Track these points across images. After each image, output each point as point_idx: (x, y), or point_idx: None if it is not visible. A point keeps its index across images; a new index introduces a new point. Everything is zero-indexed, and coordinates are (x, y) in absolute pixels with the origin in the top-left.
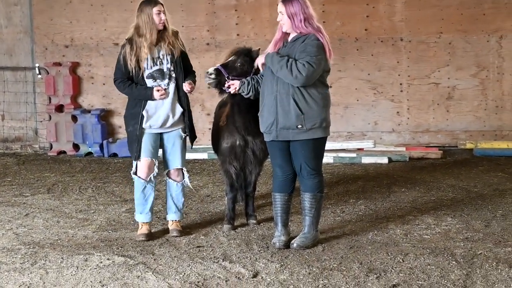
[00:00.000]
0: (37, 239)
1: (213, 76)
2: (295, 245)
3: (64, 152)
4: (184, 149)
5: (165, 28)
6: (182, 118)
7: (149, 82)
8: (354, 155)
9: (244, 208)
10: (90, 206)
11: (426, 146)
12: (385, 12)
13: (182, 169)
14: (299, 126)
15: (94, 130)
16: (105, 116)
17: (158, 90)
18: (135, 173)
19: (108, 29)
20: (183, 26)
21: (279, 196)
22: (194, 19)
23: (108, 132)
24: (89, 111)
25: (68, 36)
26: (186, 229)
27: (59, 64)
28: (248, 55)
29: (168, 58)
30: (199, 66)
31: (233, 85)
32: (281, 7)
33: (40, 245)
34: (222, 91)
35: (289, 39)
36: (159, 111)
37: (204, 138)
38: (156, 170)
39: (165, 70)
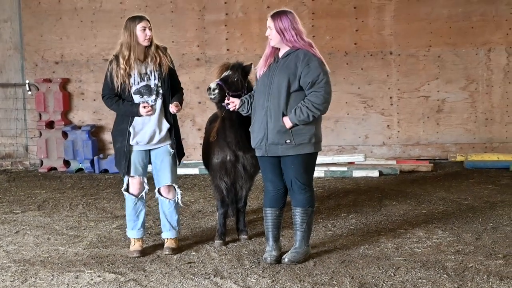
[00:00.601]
0: (28, 256)
1: (216, 91)
2: (286, 260)
3: (55, 168)
4: (174, 165)
5: (151, 44)
6: (169, 134)
7: (136, 98)
8: (345, 168)
9: (235, 224)
10: (81, 222)
11: (416, 159)
12: (374, 26)
13: (173, 185)
14: (288, 141)
15: (85, 146)
16: (95, 132)
17: (144, 107)
18: (126, 190)
19: (98, 45)
20: (173, 42)
21: (270, 211)
22: (184, 35)
23: (99, 148)
24: (79, 127)
25: (58, 52)
26: (181, 247)
27: (49, 81)
28: (242, 70)
29: (156, 74)
30: (189, 81)
31: (233, 103)
32: (269, 22)
33: (31, 262)
34: (222, 107)
35: (280, 54)
36: (146, 127)
37: (195, 153)
38: (146, 187)
39: (152, 86)
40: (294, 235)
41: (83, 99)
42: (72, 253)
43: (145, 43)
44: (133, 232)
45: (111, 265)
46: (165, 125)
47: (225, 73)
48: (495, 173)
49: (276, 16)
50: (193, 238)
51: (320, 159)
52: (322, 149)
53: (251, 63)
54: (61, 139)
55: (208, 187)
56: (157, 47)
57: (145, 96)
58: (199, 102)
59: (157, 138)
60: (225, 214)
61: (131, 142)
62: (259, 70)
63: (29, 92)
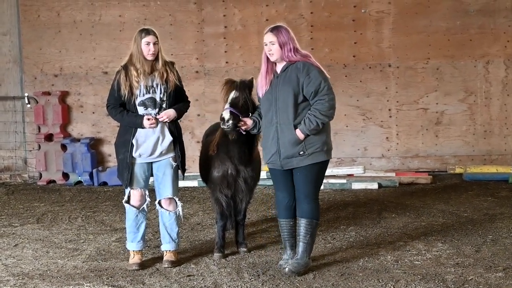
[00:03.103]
0: (26, 270)
1: (230, 122)
2: (287, 270)
3: (54, 181)
4: (176, 178)
5: (158, 58)
6: (172, 147)
7: (141, 110)
8: (344, 181)
9: (234, 236)
10: (80, 235)
11: (415, 171)
12: (373, 39)
13: (174, 198)
14: (301, 153)
15: (84, 159)
16: (94, 144)
17: (148, 119)
18: (127, 202)
19: (97, 58)
20: (172, 54)
21: (285, 222)
22: (183, 47)
23: (98, 160)
24: (78, 140)
25: (57, 65)
26: (180, 260)
27: (48, 93)
28: (248, 87)
29: (162, 88)
30: (188, 94)
31: (246, 125)
32: (271, 37)
33: (29, 276)
34: (236, 132)
35: (278, 69)
36: (149, 140)
37: (194, 165)
38: (148, 199)
39: (157, 99)
40: (297, 246)
41: (82, 112)
42: (71, 266)
43: (149, 58)
44: (133, 245)
45: (110, 278)
46: (168, 139)
47: (232, 95)
48: (494, 185)
49: (276, 30)
50: (192, 251)
51: None
52: None
53: (252, 78)
54: (60, 152)
55: (207, 200)
56: (165, 62)
57: (149, 109)
58: (198, 115)
59: (159, 150)
60: (225, 227)
61: (134, 154)
62: (260, 89)
63: (28, 105)
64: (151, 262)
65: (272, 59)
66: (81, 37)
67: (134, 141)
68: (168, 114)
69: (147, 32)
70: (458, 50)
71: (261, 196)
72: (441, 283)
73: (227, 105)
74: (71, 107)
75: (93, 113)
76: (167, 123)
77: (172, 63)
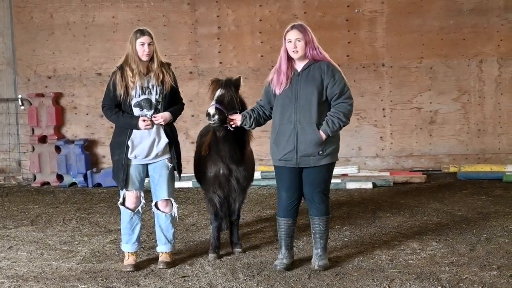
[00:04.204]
0: (21, 272)
1: (216, 117)
2: (316, 267)
3: (48, 183)
4: (171, 180)
5: (154, 59)
6: (168, 149)
7: (136, 111)
8: (338, 180)
9: (229, 237)
10: (74, 237)
11: (410, 171)
12: (366, 38)
13: (170, 200)
14: (320, 152)
15: (78, 160)
16: (88, 146)
17: (144, 120)
18: (123, 204)
19: (91, 59)
20: (166, 55)
21: (284, 221)
22: (177, 48)
23: (92, 162)
24: (72, 142)
25: (50, 67)
26: (175, 261)
27: (42, 95)
28: (234, 85)
29: (158, 89)
30: (182, 94)
31: (234, 121)
32: (298, 34)
33: (24, 278)
34: (224, 129)
35: (299, 67)
36: (144, 142)
37: (189, 166)
38: (143, 201)
39: (153, 100)
40: (317, 243)
41: (76, 114)
42: (65, 268)
43: (144, 58)
44: (128, 246)
45: (105, 280)
46: (164, 140)
47: (219, 93)
48: (488, 184)
49: (302, 28)
50: (187, 252)
51: None
52: None
53: (240, 76)
54: (54, 154)
55: (202, 201)
56: (161, 63)
57: (144, 110)
58: (192, 115)
59: (155, 152)
60: (219, 228)
61: (129, 156)
62: (277, 86)
63: (22, 107)
64: (146, 263)
65: (296, 56)
66: (75, 39)
67: (129, 143)
68: (165, 117)
69: (141, 32)
70: (452, 49)
71: (255, 196)
72: (435, 282)
73: (213, 102)
74: (64, 109)
75: (87, 114)
76: (162, 125)
77: (168, 64)
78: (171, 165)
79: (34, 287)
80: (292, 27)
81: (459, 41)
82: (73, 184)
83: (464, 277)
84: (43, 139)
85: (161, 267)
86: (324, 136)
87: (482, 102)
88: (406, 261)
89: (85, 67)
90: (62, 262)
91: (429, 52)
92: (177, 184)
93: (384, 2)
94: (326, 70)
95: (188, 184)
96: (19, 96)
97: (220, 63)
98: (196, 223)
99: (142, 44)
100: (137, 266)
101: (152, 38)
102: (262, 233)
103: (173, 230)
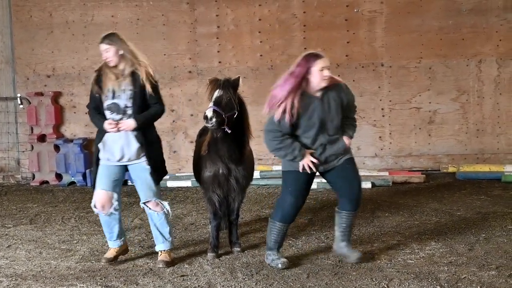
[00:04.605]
0: (20, 271)
1: (214, 120)
2: (355, 260)
3: (47, 182)
4: (153, 181)
5: (121, 64)
6: (142, 153)
7: (107, 114)
8: None
9: (228, 236)
10: (73, 236)
11: (409, 170)
12: (366, 38)
13: (156, 200)
14: (341, 153)
15: (77, 159)
16: (87, 145)
17: (109, 123)
18: (95, 206)
19: (90, 58)
20: (165, 55)
21: (284, 227)
22: (176, 48)
23: (91, 161)
24: (71, 141)
25: (49, 65)
26: (174, 260)
27: (41, 94)
28: (232, 86)
29: (128, 93)
30: (181, 94)
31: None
32: (327, 62)
33: (23, 277)
34: (221, 130)
35: (317, 91)
36: (116, 145)
37: (188, 165)
38: (115, 203)
39: (121, 105)
40: (346, 236)
41: (75, 112)
42: (64, 267)
43: (109, 64)
44: (110, 243)
45: (103, 279)
46: (134, 145)
47: (216, 94)
48: (487, 184)
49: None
50: (186, 251)
51: None
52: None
53: (239, 77)
54: (53, 153)
55: (201, 200)
56: (136, 67)
57: (114, 114)
58: (191, 115)
59: (127, 156)
60: (218, 227)
61: (100, 157)
62: (291, 114)
63: (21, 106)
64: (145, 262)
65: (326, 83)
66: (74, 38)
67: (100, 145)
68: (127, 124)
69: (101, 40)
70: (451, 49)
71: (254, 196)
72: (434, 282)
73: (210, 104)
74: (64, 108)
75: (86, 113)
76: (132, 131)
77: (145, 67)
78: (148, 167)
79: (33, 286)
80: (319, 55)
81: (458, 41)
82: (72, 183)
83: (462, 277)
84: (42, 138)
85: (160, 266)
86: (350, 142)
87: (481, 102)
88: (404, 261)
89: (84, 66)
90: (61, 261)
91: (428, 52)
92: (176, 183)
93: (383, 2)
94: (344, 89)
95: (187, 183)
96: (18, 95)
97: (219, 62)
98: (195, 222)
99: (102, 51)
100: (111, 260)
101: (112, 44)
102: (261, 232)
103: (168, 227)
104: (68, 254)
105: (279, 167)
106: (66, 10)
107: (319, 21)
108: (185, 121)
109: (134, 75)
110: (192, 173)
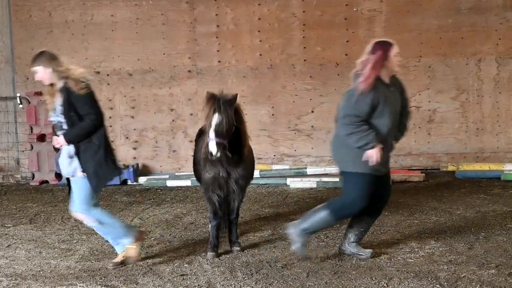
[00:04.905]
0: (19, 270)
1: (219, 153)
2: (369, 256)
3: (47, 181)
4: (83, 192)
5: (53, 83)
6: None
7: (56, 129)
8: (337, 179)
9: (228, 235)
10: (73, 236)
11: (408, 169)
12: (365, 37)
13: (79, 213)
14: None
15: None
16: None
17: (54, 140)
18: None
19: (89, 57)
20: (164, 54)
21: (335, 224)
22: (175, 47)
23: None
24: None
25: None
26: (169, 256)
27: (41, 94)
28: (230, 105)
29: (59, 109)
30: (181, 93)
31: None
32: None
33: (22, 276)
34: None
35: (387, 80)
36: (62, 159)
37: (187, 165)
38: (91, 223)
39: (58, 121)
40: (361, 237)
41: None
42: (64, 267)
43: (44, 83)
44: (115, 248)
45: (103, 278)
46: (74, 159)
47: (216, 121)
48: (487, 183)
49: None
50: (186, 250)
51: (312, 170)
52: (314, 160)
53: (236, 94)
54: (52, 152)
55: (200, 199)
56: (65, 83)
57: (57, 130)
58: (191, 114)
59: (71, 169)
60: (218, 226)
61: (57, 170)
62: (374, 97)
63: (20, 105)
64: (144, 262)
65: (398, 70)
66: (73, 37)
67: (56, 158)
68: (59, 141)
69: (30, 63)
70: (450, 48)
71: (254, 195)
72: (434, 281)
73: (211, 134)
74: None
75: None
76: (70, 146)
77: (75, 77)
78: (83, 176)
79: (33, 285)
80: (391, 42)
81: (458, 40)
82: None
83: (462, 276)
84: (41, 138)
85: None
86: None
87: (480, 101)
88: (404, 260)
89: (84, 65)
90: (61, 260)
91: (427, 50)
92: (176, 183)
93: (383, 1)
94: (402, 84)
95: (187, 182)
96: (18, 95)
97: (219, 61)
98: (194, 222)
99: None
100: (118, 264)
101: (40, 64)
102: (261, 231)
103: (109, 235)
104: (67, 253)
105: (278, 166)
106: (66, 9)
107: (319, 20)
108: (185, 121)
109: (64, 89)
110: (192, 173)
